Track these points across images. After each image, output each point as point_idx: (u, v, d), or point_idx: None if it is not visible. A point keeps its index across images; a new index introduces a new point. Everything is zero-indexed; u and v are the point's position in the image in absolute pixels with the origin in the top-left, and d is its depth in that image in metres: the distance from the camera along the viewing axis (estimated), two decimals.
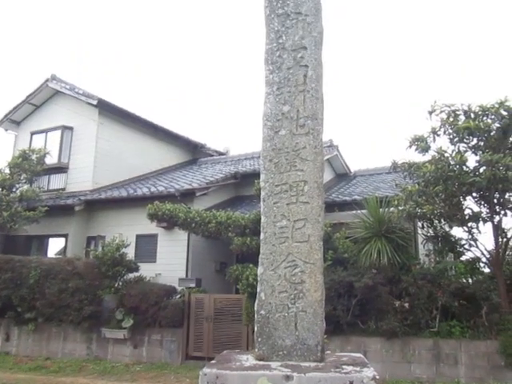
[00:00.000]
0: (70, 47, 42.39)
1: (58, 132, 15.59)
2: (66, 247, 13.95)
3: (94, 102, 14.98)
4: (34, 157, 14.67)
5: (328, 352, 3.90)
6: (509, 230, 8.80)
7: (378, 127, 41.03)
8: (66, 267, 11.27)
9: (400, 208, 9.36)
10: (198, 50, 47.51)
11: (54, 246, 14.62)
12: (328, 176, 15.30)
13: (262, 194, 3.72)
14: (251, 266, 9.64)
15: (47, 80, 15.92)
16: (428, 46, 40.86)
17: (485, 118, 8.24)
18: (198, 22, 46.61)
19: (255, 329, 3.61)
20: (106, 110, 15.41)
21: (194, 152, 19.64)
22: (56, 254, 14.41)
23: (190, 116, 42.15)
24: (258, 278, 3.66)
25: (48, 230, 13.91)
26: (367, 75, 44.48)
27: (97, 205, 14.03)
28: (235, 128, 42.51)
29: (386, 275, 9.28)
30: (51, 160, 15.22)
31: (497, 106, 8.07)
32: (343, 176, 16.81)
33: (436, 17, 38.61)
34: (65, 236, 14.03)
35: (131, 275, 11.45)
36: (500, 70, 38.64)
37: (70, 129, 15.57)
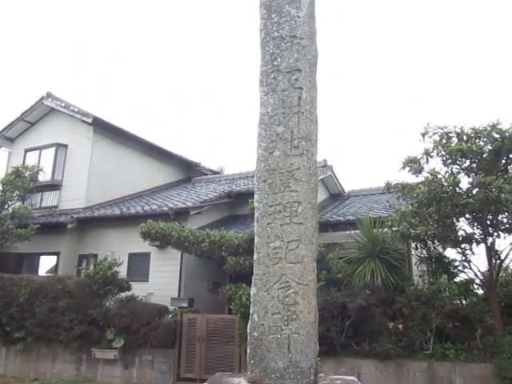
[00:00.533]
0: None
1: (52, 149, 15.58)
2: (57, 265, 13.81)
3: (89, 120, 15.01)
4: (27, 174, 14.62)
5: (321, 375, 3.86)
6: (502, 251, 8.81)
7: (371, 146, 41.32)
8: (57, 286, 11.14)
9: (394, 229, 9.38)
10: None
11: (46, 264, 14.47)
12: (322, 196, 15.33)
13: (256, 214, 3.72)
14: (244, 285, 9.57)
15: (42, 98, 15.97)
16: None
17: (477, 141, 8.32)
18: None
19: (248, 351, 3.58)
20: (101, 127, 15.44)
21: (189, 170, 19.66)
22: (47, 273, 14.26)
23: (186, 134, 42.30)
24: (251, 299, 3.64)
25: (39, 248, 13.79)
26: (361, 89, 44.97)
27: (89, 223, 13.94)
28: (230, 147, 42.66)
29: (380, 296, 9.25)
30: (44, 177, 15.19)
31: (489, 128, 8.16)
32: (337, 196, 16.84)
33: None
34: (56, 254, 13.90)
35: (123, 294, 11.32)
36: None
37: (65, 146, 15.57)
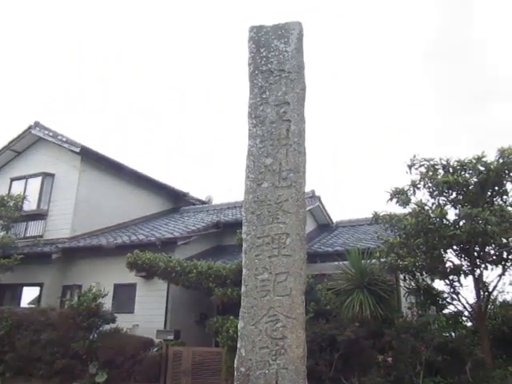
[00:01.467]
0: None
1: (39, 179, 15.45)
2: (40, 297, 13.52)
3: (77, 150, 14.95)
4: (11, 203, 14.42)
5: None
6: (490, 283, 8.81)
7: (359, 175, 41.67)
8: (39, 318, 10.87)
9: (382, 260, 9.36)
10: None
11: (29, 295, 14.14)
12: (310, 226, 15.32)
13: (244, 246, 3.70)
14: (232, 317, 9.42)
15: (30, 127, 15.92)
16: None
17: (463, 173, 8.41)
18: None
19: None
20: (89, 157, 15.39)
21: (177, 200, 19.58)
22: (30, 304, 13.92)
23: (175, 162, 42.36)
24: (239, 333, 3.57)
25: (23, 279, 13.50)
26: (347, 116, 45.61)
27: (75, 253, 13.73)
28: (218, 177, 42.74)
29: (369, 328, 9.14)
30: (30, 206, 15.01)
31: (474, 161, 8.26)
32: (325, 226, 16.85)
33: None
34: (40, 285, 13.62)
35: (107, 326, 11.07)
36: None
37: (51, 175, 15.46)
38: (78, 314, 10.66)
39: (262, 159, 3.78)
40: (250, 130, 3.87)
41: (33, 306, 13.38)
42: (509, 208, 8.25)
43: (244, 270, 3.67)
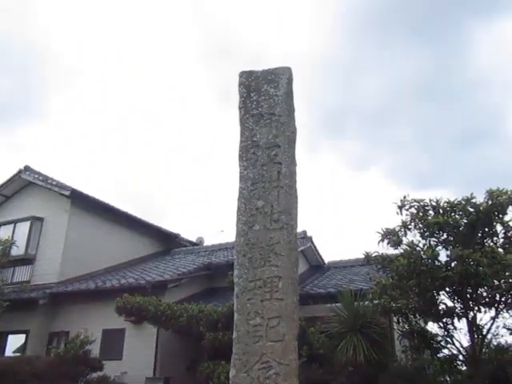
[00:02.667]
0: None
1: (28, 223, 15.29)
2: (26, 344, 13.12)
3: (67, 193, 14.90)
4: None
5: None
6: (484, 326, 8.67)
7: (350, 216, 41.79)
8: (25, 367, 10.46)
9: (375, 302, 9.25)
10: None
11: (14, 343, 13.71)
12: (302, 268, 15.19)
13: (236, 289, 3.64)
14: (223, 363, 9.17)
15: (20, 171, 15.90)
16: None
17: (453, 214, 8.45)
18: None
19: None
20: (79, 200, 15.31)
21: (168, 242, 19.39)
22: (15, 352, 13.48)
23: (165, 206, 42.28)
24: (230, 382, 3.47)
25: (8, 326, 13.12)
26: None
27: (62, 298, 13.44)
28: (209, 218, 42.62)
29: (363, 374, 8.93)
30: (17, 251, 14.74)
31: (463, 202, 8.32)
32: (317, 268, 16.72)
33: None
34: (26, 332, 13.24)
35: (95, 374, 10.71)
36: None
37: (40, 219, 15.32)
38: (65, 363, 10.32)
39: (253, 201, 3.78)
40: (241, 172, 3.89)
41: (18, 354, 12.96)
42: (499, 250, 8.25)
43: (236, 315, 3.60)
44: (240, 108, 4.05)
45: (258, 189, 3.79)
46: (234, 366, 3.48)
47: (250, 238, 3.71)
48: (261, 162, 3.84)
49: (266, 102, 3.97)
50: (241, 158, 3.93)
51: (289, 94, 4.00)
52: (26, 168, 15.94)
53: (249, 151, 3.90)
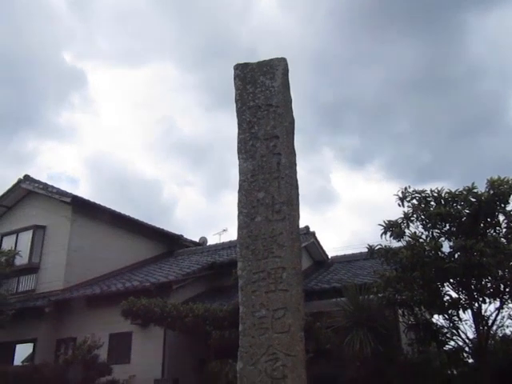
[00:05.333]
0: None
1: (30, 232, 15.25)
2: (34, 353, 13.11)
3: (68, 200, 14.89)
4: (3, 259, 14.11)
5: None
6: (489, 317, 8.60)
7: (351, 211, 41.73)
8: (33, 376, 10.45)
9: (380, 295, 9.21)
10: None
11: (22, 352, 13.67)
12: (306, 263, 15.15)
13: (240, 282, 3.63)
14: (231, 361, 9.15)
15: (20, 181, 15.90)
16: None
17: (455, 205, 8.39)
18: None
19: None
20: (80, 206, 15.30)
21: (171, 244, 19.36)
22: (23, 362, 13.46)
23: (167, 207, 42.25)
24: (238, 375, 3.46)
25: (15, 336, 13.10)
26: None
27: (68, 305, 13.40)
28: (212, 218, 42.61)
29: (370, 368, 8.90)
30: (21, 261, 14.66)
31: (465, 192, 8.25)
32: (321, 263, 16.68)
33: None
34: (33, 341, 13.23)
35: (103, 379, 10.70)
36: None
37: (43, 228, 15.29)
38: (73, 369, 10.31)
39: (254, 193, 3.77)
40: (240, 165, 3.89)
41: (27, 363, 12.95)
42: (502, 239, 8.20)
43: (241, 308, 3.59)
44: (236, 101, 4.05)
45: (259, 180, 3.79)
46: (241, 359, 3.47)
47: (253, 229, 3.70)
48: (260, 154, 3.83)
49: (262, 94, 3.97)
50: (240, 150, 3.93)
51: (285, 85, 4.00)
52: (26, 177, 15.94)
53: (247, 143, 3.89)
